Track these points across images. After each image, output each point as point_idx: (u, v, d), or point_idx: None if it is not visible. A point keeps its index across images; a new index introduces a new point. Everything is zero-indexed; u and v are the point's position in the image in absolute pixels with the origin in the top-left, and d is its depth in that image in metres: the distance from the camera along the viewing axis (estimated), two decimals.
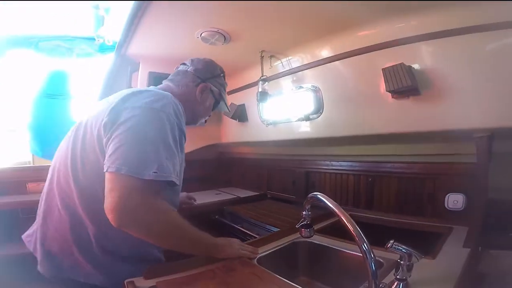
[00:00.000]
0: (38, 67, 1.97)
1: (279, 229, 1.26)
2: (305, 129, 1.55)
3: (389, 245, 0.68)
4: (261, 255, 0.96)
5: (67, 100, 2.09)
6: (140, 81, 1.82)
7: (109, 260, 0.77)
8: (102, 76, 1.86)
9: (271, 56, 1.56)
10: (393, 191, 1.42)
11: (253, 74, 1.68)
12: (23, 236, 0.91)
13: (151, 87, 1.00)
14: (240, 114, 1.85)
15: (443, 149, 1.32)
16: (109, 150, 0.69)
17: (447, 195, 1.23)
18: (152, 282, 0.73)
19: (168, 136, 0.73)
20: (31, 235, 0.88)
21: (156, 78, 1.81)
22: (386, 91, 1.11)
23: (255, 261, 0.91)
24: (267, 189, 2.06)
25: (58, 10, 1.81)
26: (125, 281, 0.73)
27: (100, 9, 1.85)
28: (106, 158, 0.69)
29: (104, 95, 1.89)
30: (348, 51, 1.27)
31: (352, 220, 0.64)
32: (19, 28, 1.76)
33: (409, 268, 0.69)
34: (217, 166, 2.41)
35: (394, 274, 0.71)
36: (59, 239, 0.78)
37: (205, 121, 1.12)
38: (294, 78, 1.55)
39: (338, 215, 0.67)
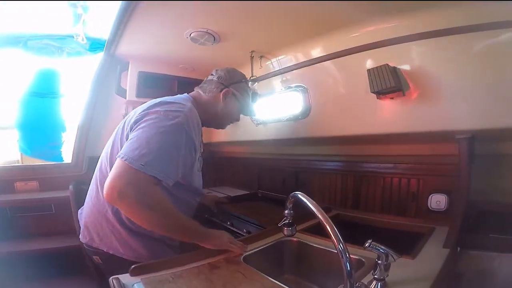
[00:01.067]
0: (27, 66, 1.96)
1: (259, 227, 1.29)
2: (294, 129, 1.57)
3: (367, 244, 0.70)
4: (247, 253, 0.98)
5: (56, 99, 2.08)
6: (130, 81, 1.82)
7: (128, 235, 0.93)
8: (92, 75, 1.85)
9: (261, 56, 1.58)
10: (379, 191, 1.44)
11: (246, 73, 1.70)
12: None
13: (179, 96, 1.07)
14: None
15: (428, 150, 1.35)
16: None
17: (430, 196, 1.26)
18: (137, 279, 0.75)
19: (174, 139, 0.86)
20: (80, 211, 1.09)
21: (146, 78, 1.82)
22: (371, 92, 1.13)
23: (241, 258, 0.93)
24: (258, 188, 2.07)
25: (47, 8, 1.79)
26: (111, 278, 0.74)
27: (78, 7, 1.84)
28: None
29: (94, 94, 1.96)
30: (337, 52, 1.29)
31: (329, 219, 0.66)
32: (7, 26, 1.74)
33: (387, 268, 0.71)
34: (208, 165, 2.35)
35: (372, 274, 0.74)
36: (95, 214, 0.97)
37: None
38: (284, 78, 1.56)
39: (316, 215, 0.68)
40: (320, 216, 0.68)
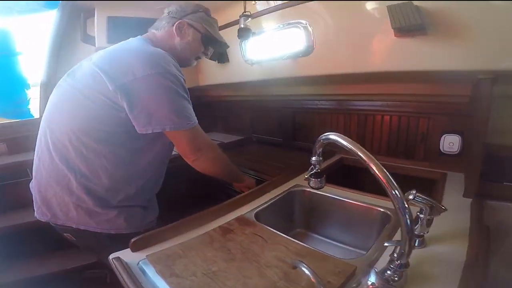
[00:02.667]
0: None
1: (269, 177, 1.19)
2: (294, 67, 1.37)
3: (411, 197, 0.61)
4: (258, 209, 0.89)
5: (13, 57, 1.84)
6: (98, 29, 1.54)
7: (98, 205, 0.84)
8: (51, 28, 1.62)
9: None
10: (386, 132, 1.36)
11: (236, 12, 1.40)
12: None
13: (133, 40, 0.97)
14: (219, 55, 1.60)
15: (435, 90, 1.24)
16: (142, 114, 0.81)
17: (443, 136, 1.19)
18: (141, 255, 0.64)
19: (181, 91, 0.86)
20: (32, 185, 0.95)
21: (117, 23, 1.55)
22: (392, 28, 0.95)
23: (253, 216, 0.84)
24: (252, 132, 1.94)
25: None
26: (111, 257, 0.63)
27: None
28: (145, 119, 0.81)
29: (55, 47, 1.71)
30: None
31: (382, 167, 0.51)
32: None
33: (429, 223, 0.65)
34: (196, 111, 2.16)
35: None
36: (53, 186, 0.85)
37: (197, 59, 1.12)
38: (282, 15, 1.31)
39: (365, 161, 0.52)
40: (370, 163, 0.52)
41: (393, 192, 0.49)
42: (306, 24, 1.24)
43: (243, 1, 1.31)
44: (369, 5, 1.06)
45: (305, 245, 0.69)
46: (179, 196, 1.38)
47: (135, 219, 0.90)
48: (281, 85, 1.68)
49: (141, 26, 1.55)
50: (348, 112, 1.46)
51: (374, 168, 0.51)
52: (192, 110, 0.89)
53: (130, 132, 0.83)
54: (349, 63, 1.20)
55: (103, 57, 0.87)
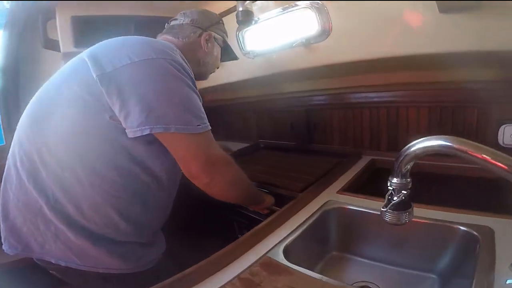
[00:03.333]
0: None
1: (290, 191, 0.96)
2: (305, 57, 1.15)
3: None
4: (286, 242, 0.66)
5: None
6: (61, 31, 1.32)
7: (80, 237, 0.64)
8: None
9: None
10: (423, 126, 1.13)
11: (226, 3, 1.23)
12: None
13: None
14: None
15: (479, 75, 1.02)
16: (137, 108, 0.60)
17: (502, 127, 0.96)
18: None
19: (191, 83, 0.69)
20: None
21: (83, 23, 1.33)
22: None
23: (281, 254, 0.61)
24: (259, 137, 1.71)
25: None
26: None
27: None
28: (138, 118, 0.60)
29: (10, 57, 1.46)
30: None
31: None
32: None
33: None
34: None
35: None
36: (24, 213, 0.66)
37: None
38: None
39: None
40: None
41: None
42: (320, 3, 1.02)
43: None
44: None
45: None
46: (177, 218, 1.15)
47: (132, 257, 0.70)
48: (290, 80, 1.45)
49: (113, 24, 1.36)
50: (376, 106, 1.23)
51: None
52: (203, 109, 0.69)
53: (120, 142, 0.64)
54: (378, 46, 0.99)
55: (97, 45, 0.70)
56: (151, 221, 0.76)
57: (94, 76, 0.61)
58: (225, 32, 1.01)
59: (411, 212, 0.51)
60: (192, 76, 0.71)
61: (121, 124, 0.62)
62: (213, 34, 0.94)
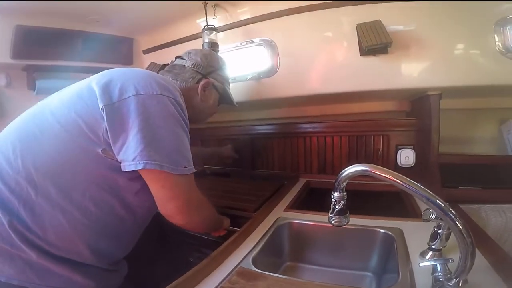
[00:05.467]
0: None
1: (245, 212, 1.06)
2: (255, 89, 1.32)
3: (433, 216, 0.61)
4: (253, 254, 0.75)
5: None
6: (2, 40, 1.21)
7: (41, 257, 0.60)
8: None
9: (215, 5, 1.22)
10: (344, 151, 1.40)
11: (190, 28, 1.33)
12: None
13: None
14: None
15: (381, 107, 1.37)
16: (135, 140, 0.61)
17: (399, 151, 1.28)
18: None
19: (185, 126, 0.71)
20: None
21: (29, 34, 1.24)
22: (365, 46, 1.00)
23: (251, 264, 0.70)
24: (204, 164, 1.77)
25: None
26: None
27: None
28: (133, 152, 0.61)
29: None
30: (313, 4, 1.11)
31: (422, 187, 0.51)
32: None
33: (447, 237, 0.63)
34: None
35: (428, 244, 0.65)
36: None
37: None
38: (244, 32, 1.27)
39: (403, 186, 0.52)
40: (412, 187, 0.51)
41: (450, 215, 0.49)
42: (272, 42, 1.22)
43: (204, 14, 1.23)
44: (336, 25, 1.11)
45: (335, 284, 0.62)
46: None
47: (95, 277, 0.68)
48: (237, 109, 1.60)
49: (60, 38, 1.31)
50: (309, 135, 1.46)
51: (416, 190, 0.51)
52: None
53: (102, 173, 0.64)
54: (315, 84, 1.22)
55: (107, 74, 0.70)
56: (117, 252, 0.76)
57: (101, 106, 0.61)
58: (227, 79, 1.00)
59: (347, 216, 0.66)
60: (187, 118, 0.72)
61: (111, 158, 0.63)
62: (213, 81, 0.92)
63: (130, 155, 0.61)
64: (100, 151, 0.62)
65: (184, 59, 0.91)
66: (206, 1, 1.18)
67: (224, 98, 1.01)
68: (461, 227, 0.47)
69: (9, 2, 1.10)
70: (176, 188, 0.66)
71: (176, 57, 0.95)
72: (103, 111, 0.61)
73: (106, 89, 0.64)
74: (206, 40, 1.20)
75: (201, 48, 0.97)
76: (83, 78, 0.72)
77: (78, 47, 1.38)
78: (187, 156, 0.68)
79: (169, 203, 0.67)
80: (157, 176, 0.64)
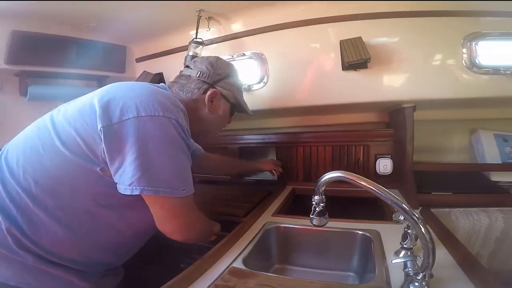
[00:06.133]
0: None
1: (235, 217, 1.10)
2: (247, 100, 1.36)
3: (402, 217, 0.66)
4: (242, 255, 0.80)
5: None
6: None
7: (40, 264, 0.63)
8: None
9: (209, 18, 1.28)
10: (328, 160, 1.48)
11: (183, 38, 1.37)
12: None
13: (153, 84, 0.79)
14: None
15: (360, 118, 1.46)
16: (133, 165, 0.61)
17: (378, 160, 1.37)
18: None
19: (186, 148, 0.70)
20: None
21: (24, 39, 1.25)
22: (346, 62, 1.08)
23: (242, 264, 0.75)
24: (193, 172, 1.79)
25: None
26: None
27: None
28: (131, 177, 0.61)
29: None
30: (301, 20, 1.19)
31: (391, 193, 0.57)
32: None
33: (416, 237, 0.70)
34: None
35: (400, 243, 0.72)
36: None
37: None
38: (236, 45, 1.33)
39: (374, 191, 0.57)
40: (382, 193, 0.57)
41: (412, 216, 0.54)
42: (262, 55, 1.29)
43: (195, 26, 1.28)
44: (323, 40, 1.19)
45: (321, 281, 0.67)
46: None
47: (90, 281, 0.70)
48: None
49: (54, 45, 1.32)
50: (295, 145, 1.53)
51: (384, 194, 0.57)
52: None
53: (102, 193, 0.66)
54: (302, 96, 1.30)
55: (109, 89, 0.69)
56: (115, 261, 0.78)
57: (99, 127, 0.61)
58: (238, 87, 0.95)
59: (327, 217, 0.73)
60: (189, 139, 0.71)
61: (110, 176, 0.63)
62: (221, 90, 0.87)
63: (126, 180, 0.61)
64: (98, 170, 0.63)
65: (191, 68, 0.87)
66: (200, 14, 1.23)
67: (236, 107, 0.96)
68: (422, 228, 0.53)
69: (6, 7, 1.12)
70: (175, 209, 0.67)
71: (185, 66, 0.91)
72: (101, 132, 0.61)
73: (106, 108, 0.63)
74: (190, 53, 1.24)
75: (207, 56, 0.91)
76: (76, 85, 0.74)
77: (71, 54, 1.40)
78: (186, 179, 0.68)
79: (167, 223, 0.68)
80: (155, 200, 0.65)
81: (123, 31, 1.43)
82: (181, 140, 0.66)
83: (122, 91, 0.68)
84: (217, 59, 0.90)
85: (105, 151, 0.61)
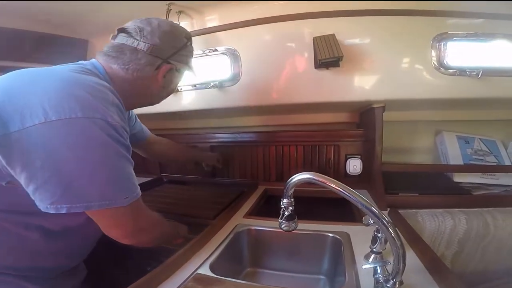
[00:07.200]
0: None
1: (204, 220, 1.05)
2: (217, 97, 1.32)
3: (372, 221, 0.64)
4: (210, 260, 0.75)
5: None
6: None
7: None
8: None
9: (180, 12, 1.21)
10: (300, 160, 1.47)
11: None
12: None
13: (63, 67, 0.63)
14: None
15: (331, 118, 1.47)
16: (51, 183, 0.49)
17: (348, 160, 1.38)
18: None
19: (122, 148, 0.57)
20: None
21: None
22: (318, 59, 1.07)
23: (209, 270, 0.70)
24: (161, 171, 1.71)
25: None
26: None
27: None
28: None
29: None
30: (275, 16, 1.16)
31: (361, 195, 0.56)
32: None
33: (386, 241, 0.69)
34: None
35: (370, 247, 0.71)
36: None
37: None
38: (209, 40, 1.27)
39: (343, 193, 0.57)
40: (352, 196, 0.56)
41: (382, 221, 0.54)
42: (235, 51, 1.24)
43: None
44: (297, 37, 1.17)
45: None
46: None
47: (46, 285, 0.65)
48: (196, 117, 1.59)
49: (5, 39, 1.20)
50: (267, 144, 1.50)
51: (353, 197, 0.56)
52: (134, 175, 0.61)
53: (19, 203, 0.56)
54: (274, 94, 1.27)
55: (3, 83, 0.53)
56: (67, 263, 0.72)
57: None
58: (191, 53, 0.82)
59: (296, 221, 0.70)
60: (127, 138, 0.59)
61: (22, 187, 0.51)
62: (176, 65, 0.75)
63: (45, 199, 0.50)
64: (4, 184, 0.53)
65: (136, 39, 0.68)
66: (170, 8, 1.16)
67: (186, 74, 0.87)
68: (392, 232, 0.52)
69: None
70: (120, 218, 0.58)
71: (118, 31, 0.71)
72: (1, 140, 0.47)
73: (1, 112, 0.48)
74: None
75: (157, 21, 0.72)
76: None
77: (28, 48, 1.27)
78: (125, 185, 0.57)
79: (112, 231, 0.60)
80: (91, 213, 0.55)
81: (84, 24, 1.33)
82: (113, 142, 0.54)
83: (23, 84, 0.52)
84: (172, 26, 0.75)
85: (5, 166, 0.49)
